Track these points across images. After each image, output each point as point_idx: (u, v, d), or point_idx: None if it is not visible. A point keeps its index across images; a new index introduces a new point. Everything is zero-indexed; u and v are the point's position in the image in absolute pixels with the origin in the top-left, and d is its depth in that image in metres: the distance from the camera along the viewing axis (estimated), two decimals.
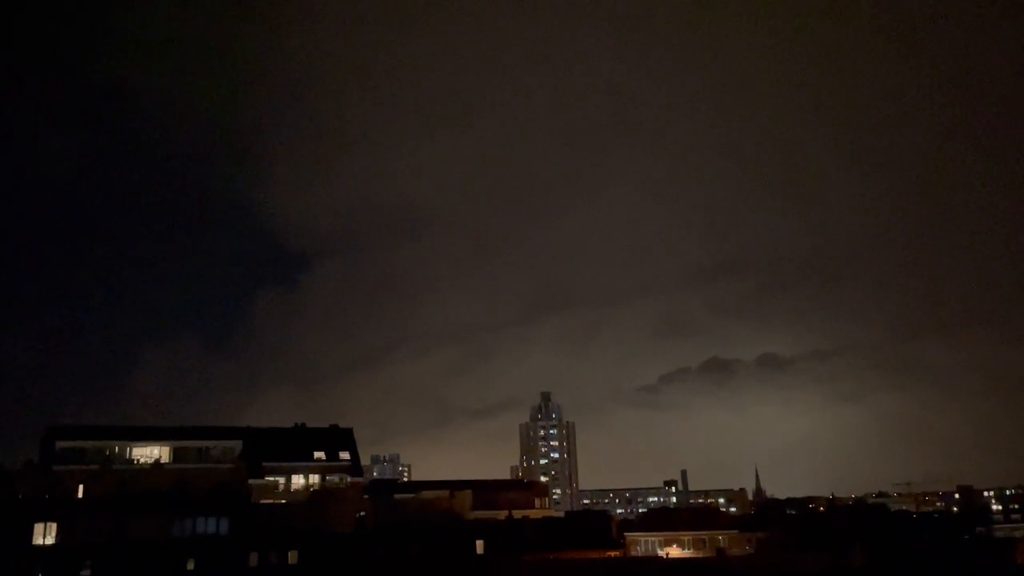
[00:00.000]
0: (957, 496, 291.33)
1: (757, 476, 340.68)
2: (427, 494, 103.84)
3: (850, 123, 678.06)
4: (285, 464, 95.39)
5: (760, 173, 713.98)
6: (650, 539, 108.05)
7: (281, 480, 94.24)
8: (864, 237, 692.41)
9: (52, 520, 70.98)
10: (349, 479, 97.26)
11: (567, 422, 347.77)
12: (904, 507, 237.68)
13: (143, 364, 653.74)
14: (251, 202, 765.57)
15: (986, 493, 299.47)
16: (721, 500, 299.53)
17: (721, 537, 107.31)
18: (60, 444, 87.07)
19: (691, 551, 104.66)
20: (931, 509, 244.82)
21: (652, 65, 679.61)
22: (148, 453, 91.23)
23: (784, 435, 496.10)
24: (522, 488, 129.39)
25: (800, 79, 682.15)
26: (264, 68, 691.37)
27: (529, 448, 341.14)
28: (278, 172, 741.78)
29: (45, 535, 70.34)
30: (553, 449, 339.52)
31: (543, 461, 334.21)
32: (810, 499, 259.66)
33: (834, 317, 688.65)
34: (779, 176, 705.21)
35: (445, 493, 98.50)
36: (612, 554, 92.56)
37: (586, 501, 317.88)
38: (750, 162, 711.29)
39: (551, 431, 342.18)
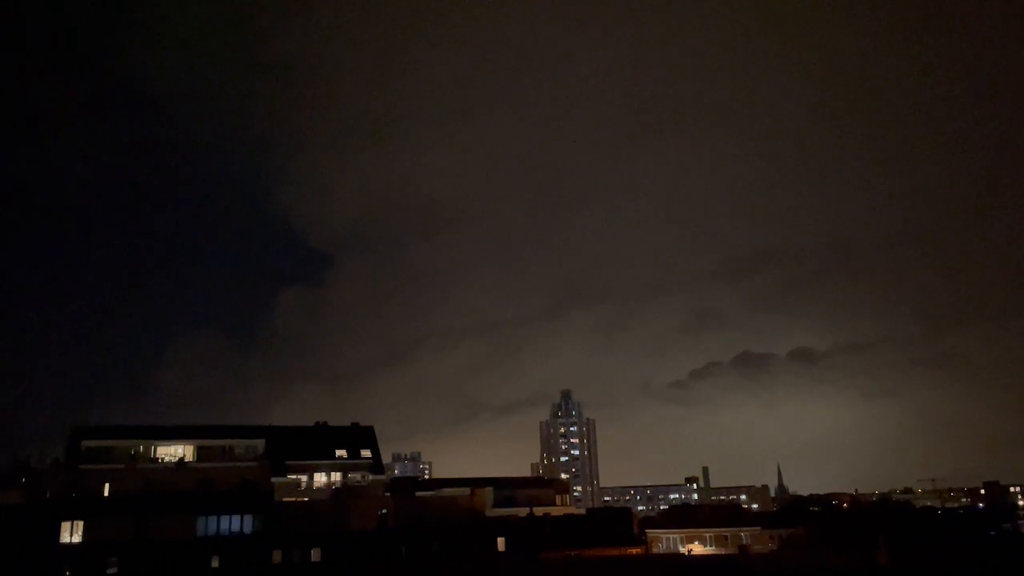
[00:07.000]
0: (983, 492, 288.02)
1: (779, 473, 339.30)
2: (448, 491, 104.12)
3: (885, 115, 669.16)
4: (307, 462, 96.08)
5: (794, 165, 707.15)
6: (672, 536, 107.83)
7: (303, 478, 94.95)
8: (899, 230, 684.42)
9: (79, 518, 71.87)
10: (370, 477, 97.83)
11: (588, 419, 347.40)
12: (929, 503, 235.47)
13: (169, 362, 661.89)
14: (275, 200, 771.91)
15: (1012, 489, 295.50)
16: (743, 497, 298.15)
17: (744, 534, 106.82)
18: (86, 443, 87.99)
19: (713, 548, 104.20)
20: (957, 505, 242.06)
21: (676, 60, 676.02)
22: (173, 452, 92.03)
23: (808, 431, 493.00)
24: (543, 485, 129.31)
25: (830, 71, 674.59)
26: (284, 66, 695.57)
27: (549, 445, 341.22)
28: (301, 170, 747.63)
29: (72, 533, 71.22)
30: (573, 446, 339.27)
31: (563, 458, 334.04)
32: (833, 496, 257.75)
33: (869, 310, 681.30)
34: (813, 167, 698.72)
35: (466, 490, 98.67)
36: (634, 551, 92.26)
37: (607, 498, 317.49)
38: (782, 154, 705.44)
39: (571, 428, 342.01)
